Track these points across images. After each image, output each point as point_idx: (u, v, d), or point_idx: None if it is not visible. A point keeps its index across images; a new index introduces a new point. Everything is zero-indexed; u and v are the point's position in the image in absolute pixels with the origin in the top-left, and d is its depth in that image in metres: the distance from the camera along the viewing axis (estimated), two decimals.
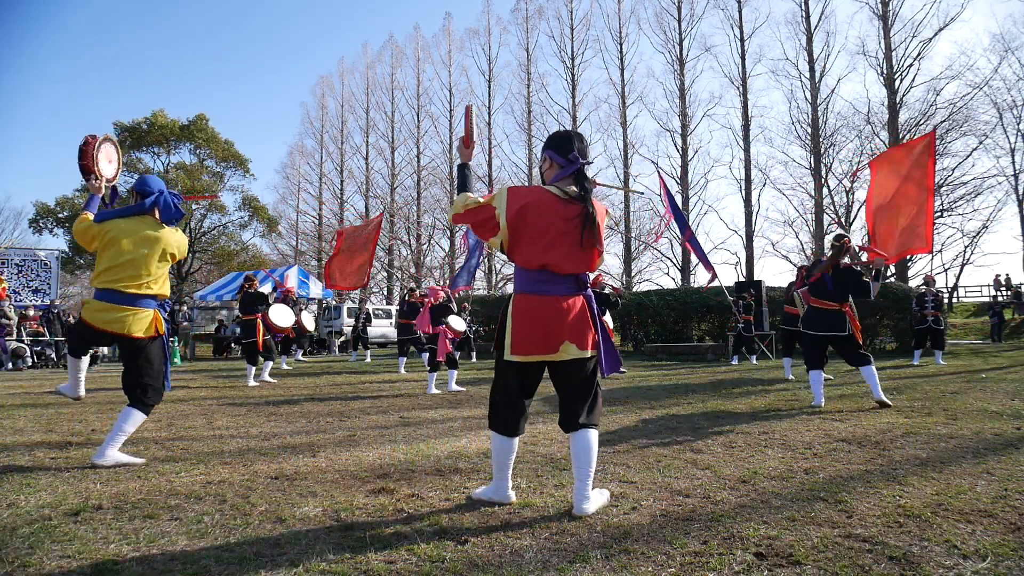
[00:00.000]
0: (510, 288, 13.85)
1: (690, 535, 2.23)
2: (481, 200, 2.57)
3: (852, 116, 23.90)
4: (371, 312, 20.15)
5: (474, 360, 15.03)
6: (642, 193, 25.90)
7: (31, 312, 14.96)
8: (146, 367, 3.52)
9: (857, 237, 23.21)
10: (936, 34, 22.15)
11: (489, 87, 31.76)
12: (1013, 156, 25.30)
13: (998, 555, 2.01)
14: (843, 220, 23.02)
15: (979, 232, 25.47)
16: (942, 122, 21.82)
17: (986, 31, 45.36)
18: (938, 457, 3.44)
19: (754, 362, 12.30)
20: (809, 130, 24.22)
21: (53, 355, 14.62)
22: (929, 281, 12.20)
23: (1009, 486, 2.80)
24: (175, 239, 3.65)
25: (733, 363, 12.18)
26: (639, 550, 2.08)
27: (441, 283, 29.21)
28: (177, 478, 3.14)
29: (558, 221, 2.48)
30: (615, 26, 28.66)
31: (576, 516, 2.43)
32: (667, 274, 28.11)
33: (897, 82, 22.48)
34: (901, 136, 21.96)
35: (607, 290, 9.83)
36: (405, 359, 11.72)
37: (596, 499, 2.54)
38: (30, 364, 13.60)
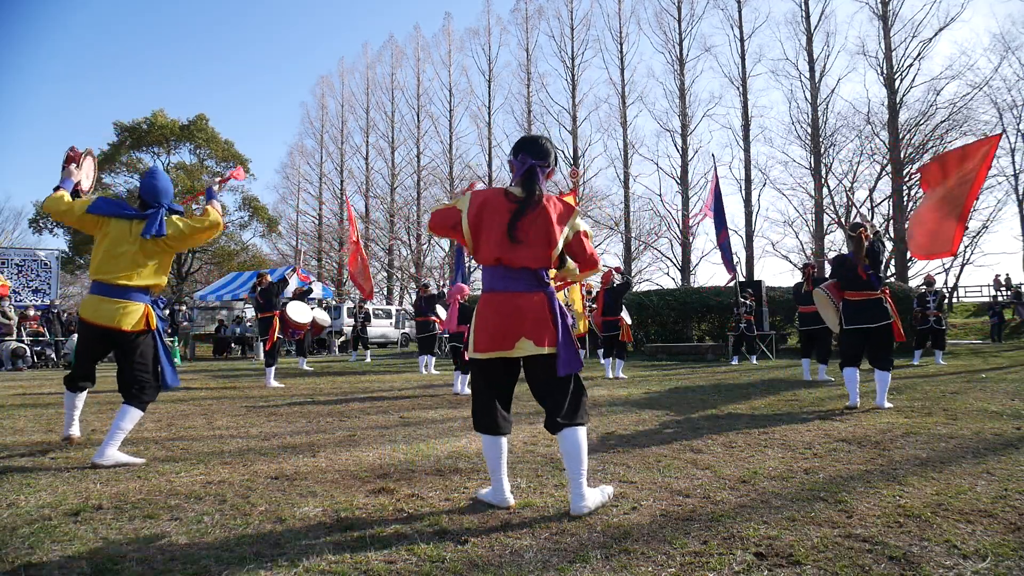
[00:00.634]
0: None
1: (690, 535, 2.23)
2: (447, 203, 2.67)
3: (852, 116, 23.93)
4: (371, 312, 20.15)
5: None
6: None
7: (31, 312, 14.96)
8: (139, 363, 3.56)
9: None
10: (936, 34, 22.18)
11: (489, 87, 31.79)
12: (1013, 156, 25.34)
13: (998, 555, 2.01)
14: (843, 220, 23.01)
15: (979, 232, 25.48)
16: (942, 122, 21.84)
17: (986, 31, 45.39)
18: (938, 457, 3.44)
19: (754, 362, 12.30)
20: (809, 130, 24.23)
21: (53, 355, 14.62)
22: (929, 281, 12.21)
23: (1009, 486, 2.80)
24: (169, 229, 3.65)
25: (733, 363, 12.18)
26: (639, 550, 2.08)
27: (442, 283, 29.22)
28: (177, 478, 3.14)
29: (504, 217, 2.54)
30: (615, 26, 28.71)
31: (575, 516, 2.43)
32: (667, 274, 28.12)
33: (897, 82, 22.49)
34: (901, 136, 21.97)
35: (616, 280, 9.74)
36: (428, 358, 11.35)
37: (594, 496, 2.53)
38: (30, 364, 13.60)
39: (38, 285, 17.28)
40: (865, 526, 2.30)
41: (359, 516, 2.50)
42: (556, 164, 2.72)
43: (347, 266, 12.38)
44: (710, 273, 70.47)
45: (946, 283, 24.39)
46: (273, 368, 8.72)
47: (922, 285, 12.38)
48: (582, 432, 2.54)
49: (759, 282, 15.56)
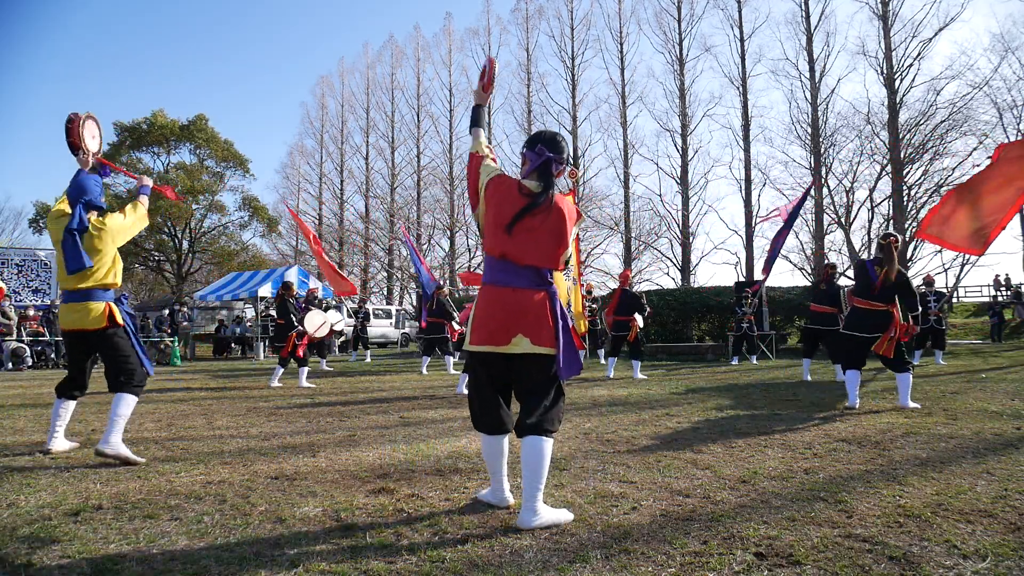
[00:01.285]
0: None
1: (690, 535, 2.23)
2: (487, 155, 2.66)
3: (852, 116, 23.84)
4: (371, 312, 20.14)
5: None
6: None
7: (31, 312, 14.96)
8: (119, 355, 3.69)
9: (857, 238, 23.25)
10: (936, 34, 22.10)
11: None
12: None
13: (998, 555, 2.01)
14: (843, 220, 23.00)
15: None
16: (942, 122, 21.79)
17: (986, 31, 45.33)
18: (938, 457, 3.44)
19: (754, 362, 12.30)
20: (809, 130, 24.20)
21: (53, 355, 14.62)
22: (929, 281, 12.20)
23: (1009, 486, 2.81)
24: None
25: (733, 363, 12.17)
26: (639, 550, 2.08)
27: (442, 282, 29.19)
28: (177, 478, 3.14)
29: (513, 209, 2.46)
30: (615, 26, 28.66)
31: (518, 528, 2.31)
32: (667, 274, 28.09)
33: (897, 82, 22.47)
34: (901, 136, 21.96)
35: (639, 294, 9.93)
36: (428, 359, 11.61)
37: (548, 515, 2.35)
38: (30, 364, 13.60)
39: (38, 285, 17.27)
40: (865, 526, 2.30)
41: (359, 516, 2.50)
42: (567, 165, 2.66)
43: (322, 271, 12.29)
44: (710, 273, 70.44)
45: (946, 283, 24.33)
46: (280, 371, 8.73)
47: (922, 285, 12.37)
48: (548, 444, 2.40)
49: (759, 282, 15.55)
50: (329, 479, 3.11)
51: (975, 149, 21.94)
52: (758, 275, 25.08)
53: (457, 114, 32.70)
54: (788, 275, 29.34)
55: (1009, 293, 25.09)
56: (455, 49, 32.98)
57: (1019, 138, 22.53)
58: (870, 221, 23.35)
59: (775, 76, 25.54)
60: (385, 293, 34.87)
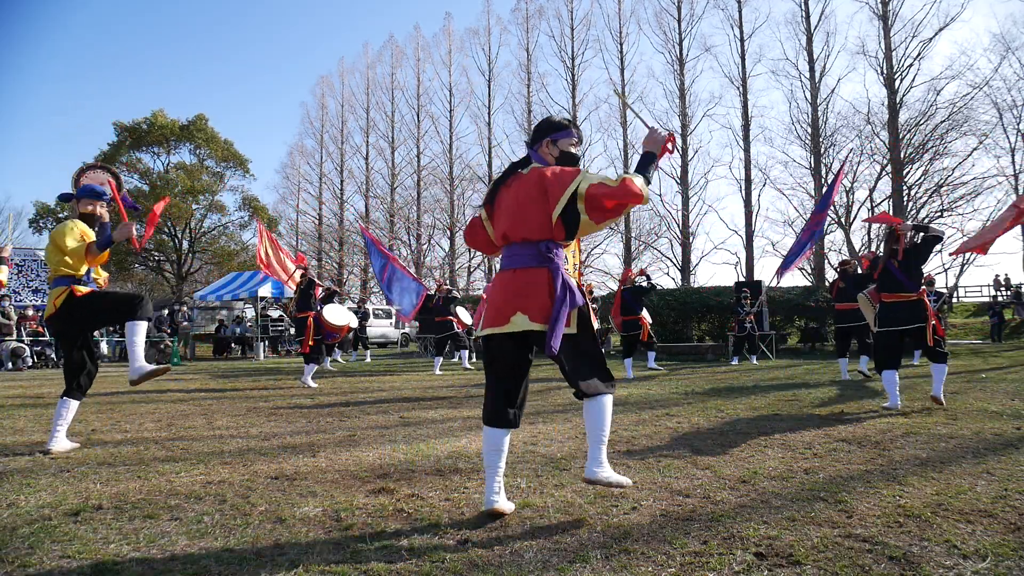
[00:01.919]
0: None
1: (690, 535, 2.23)
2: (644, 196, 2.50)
3: (852, 116, 23.89)
4: (371, 312, 20.13)
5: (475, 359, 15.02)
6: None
7: (30, 312, 14.96)
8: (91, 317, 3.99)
9: (857, 238, 23.24)
10: (936, 34, 22.13)
11: (489, 87, 31.76)
12: (1013, 156, 25.26)
13: (998, 555, 2.01)
14: (843, 220, 23.00)
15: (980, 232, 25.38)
16: (942, 122, 21.81)
17: (986, 31, 45.37)
18: (938, 457, 3.44)
19: (754, 362, 12.30)
20: (809, 130, 24.21)
21: (53, 355, 14.62)
22: (929, 281, 12.21)
23: (1009, 486, 2.80)
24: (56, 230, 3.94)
25: (733, 363, 12.17)
26: (639, 550, 2.08)
27: (442, 283, 29.19)
28: (177, 478, 3.14)
29: (508, 191, 2.60)
30: (615, 26, 28.67)
31: (587, 479, 2.42)
32: (667, 274, 28.09)
33: (897, 82, 22.47)
34: (901, 136, 21.95)
35: (640, 282, 10.00)
36: (441, 360, 11.49)
37: (612, 473, 2.46)
38: (30, 364, 13.60)
39: (38, 285, 17.27)
40: (865, 526, 2.30)
41: (359, 516, 2.50)
42: (559, 134, 2.64)
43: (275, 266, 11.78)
44: (710, 273, 70.40)
45: (946, 283, 24.33)
46: (313, 368, 8.60)
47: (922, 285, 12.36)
48: (600, 401, 2.43)
49: (759, 282, 15.56)
50: (329, 479, 3.11)
51: (975, 149, 21.98)
52: (758, 275, 25.08)
53: (457, 114, 32.73)
54: (788, 276, 29.32)
55: (1009, 293, 25.09)
56: (455, 49, 33.01)
57: (1019, 139, 22.58)
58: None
59: (775, 76, 25.58)
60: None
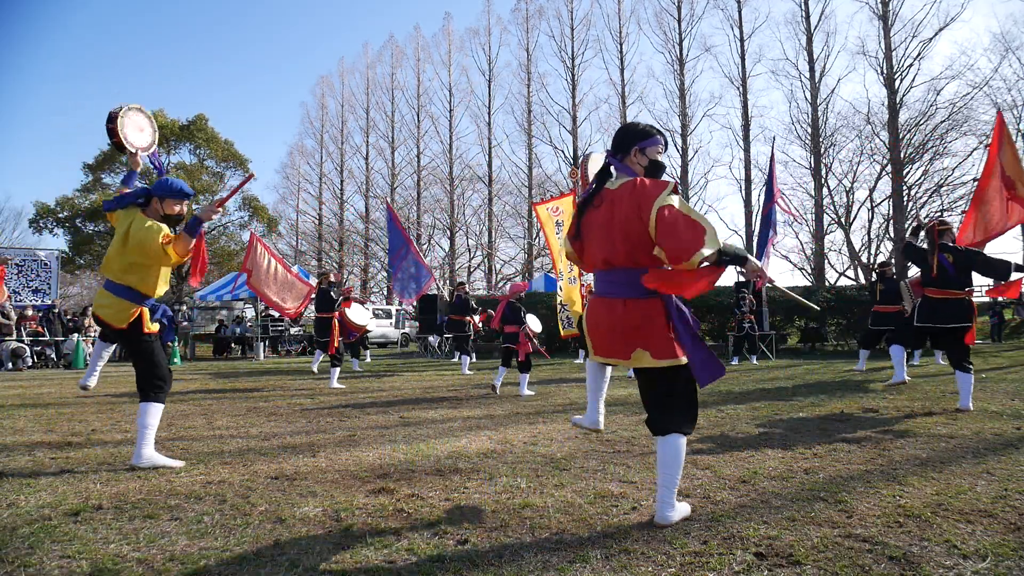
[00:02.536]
0: (507, 288, 13.88)
1: (690, 535, 2.22)
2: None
3: (852, 116, 23.87)
4: (371, 312, 20.11)
5: (474, 359, 15.03)
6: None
7: (30, 312, 14.96)
8: (141, 363, 3.48)
9: (856, 237, 23.23)
10: (936, 34, 22.11)
11: (489, 87, 31.73)
12: None
13: (998, 555, 2.01)
14: (843, 220, 23.00)
15: None
16: (942, 122, 21.79)
17: (986, 31, 45.32)
18: (938, 457, 3.44)
19: (754, 362, 12.29)
20: (809, 130, 24.21)
21: (53, 355, 14.61)
22: None
23: (1009, 486, 2.80)
24: (135, 225, 3.55)
25: (733, 363, 12.16)
26: (639, 550, 2.08)
27: (442, 283, 29.21)
28: (177, 478, 3.14)
29: (596, 213, 2.52)
30: (615, 26, 28.66)
31: (657, 524, 2.33)
32: None
33: (897, 82, 22.47)
34: (901, 136, 21.95)
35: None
36: (468, 359, 11.30)
37: (682, 510, 2.43)
38: (30, 364, 13.59)
39: (38, 285, 17.26)
40: (865, 526, 2.30)
41: (359, 516, 2.50)
42: (647, 142, 2.46)
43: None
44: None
45: None
46: (338, 369, 8.52)
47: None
48: (672, 441, 2.36)
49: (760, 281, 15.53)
50: (329, 479, 3.11)
51: (975, 149, 21.96)
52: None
53: (457, 114, 32.71)
54: (788, 275, 29.31)
55: None
56: (455, 49, 32.98)
57: (1019, 138, 22.56)
58: (870, 221, 23.36)
59: (775, 76, 25.57)
60: (385, 293, 34.88)
